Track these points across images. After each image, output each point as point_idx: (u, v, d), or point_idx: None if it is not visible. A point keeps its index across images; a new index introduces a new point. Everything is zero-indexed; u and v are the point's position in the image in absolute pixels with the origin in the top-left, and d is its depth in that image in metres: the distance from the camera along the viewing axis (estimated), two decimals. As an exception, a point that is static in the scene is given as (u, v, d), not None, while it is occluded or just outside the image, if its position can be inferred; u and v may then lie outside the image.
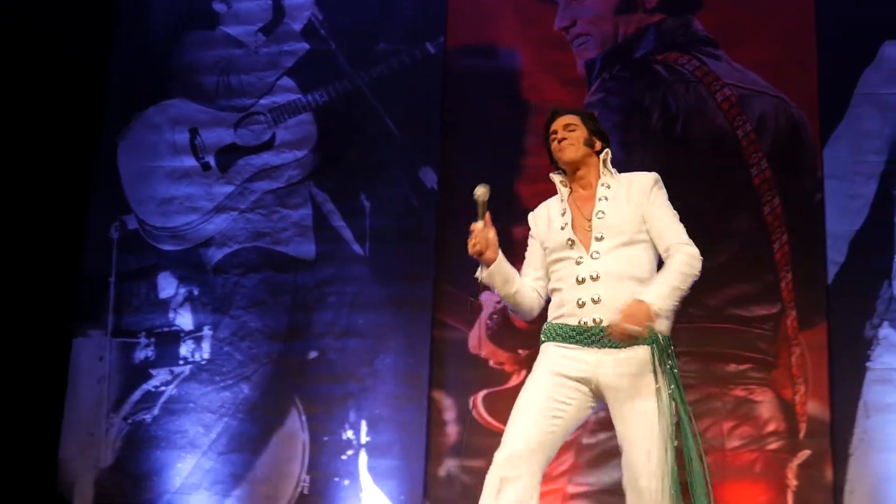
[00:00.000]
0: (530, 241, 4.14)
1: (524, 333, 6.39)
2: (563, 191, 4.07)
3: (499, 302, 6.44)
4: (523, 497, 3.81)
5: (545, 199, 4.14)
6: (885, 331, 6.13)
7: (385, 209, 6.64)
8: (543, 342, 3.97)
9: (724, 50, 6.55)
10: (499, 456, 3.85)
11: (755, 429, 6.13)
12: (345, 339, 6.52)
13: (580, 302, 3.87)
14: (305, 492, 6.39)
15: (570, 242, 3.93)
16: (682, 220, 4.01)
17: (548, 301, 4.04)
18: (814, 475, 6.02)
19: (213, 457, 6.49)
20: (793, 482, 6.03)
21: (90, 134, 7.01)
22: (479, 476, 6.20)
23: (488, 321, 6.43)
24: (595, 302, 3.84)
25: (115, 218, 6.90)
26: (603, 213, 3.93)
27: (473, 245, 3.93)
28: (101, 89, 7.08)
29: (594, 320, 3.83)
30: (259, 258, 6.72)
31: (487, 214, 3.94)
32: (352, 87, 6.85)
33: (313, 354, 6.55)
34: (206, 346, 6.66)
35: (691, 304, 6.17)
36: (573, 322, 3.89)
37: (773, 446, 6.10)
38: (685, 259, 3.82)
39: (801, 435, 6.08)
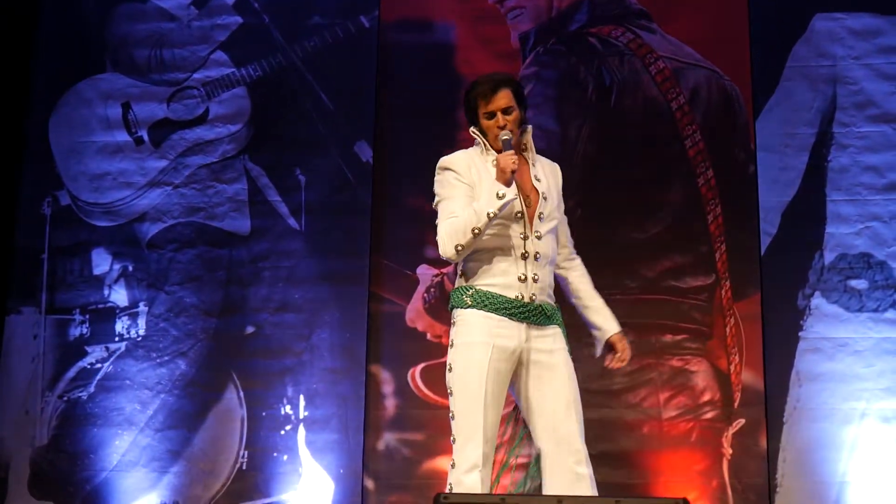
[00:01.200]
0: (456, 181, 4.08)
1: (461, 306, 6.41)
2: (487, 154, 4.13)
3: (436, 275, 6.44)
4: (489, 483, 3.97)
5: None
6: (816, 301, 6.21)
7: (320, 183, 6.62)
8: (468, 307, 4.00)
9: (657, 23, 6.58)
10: (473, 453, 3.91)
11: (691, 398, 6.19)
12: (281, 313, 6.51)
13: (522, 277, 3.99)
14: (244, 467, 6.37)
15: (518, 215, 4.01)
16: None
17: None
18: (748, 443, 6.10)
19: (150, 434, 6.46)
20: (728, 450, 6.10)
21: (20, 109, 6.91)
22: (418, 448, 6.29)
23: (425, 294, 6.43)
24: (535, 281, 4.00)
25: (48, 194, 6.81)
26: (545, 195, 4.08)
27: (514, 162, 3.93)
28: (29, 63, 6.97)
29: (531, 297, 3.99)
30: (194, 233, 6.68)
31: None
32: (285, 61, 6.80)
33: (250, 329, 6.53)
34: (141, 322, 6.61)
35: (627, 276, 6.23)
36: (510, 295, 3.99)
37: (708, 415, 6.17)
38: (586, 271, 4.29)
39: (736, 404, 6.15)
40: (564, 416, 3.97)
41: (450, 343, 4.08)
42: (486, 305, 3.98)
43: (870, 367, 6.08)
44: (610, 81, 6.49)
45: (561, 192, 4.23)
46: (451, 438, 4.00)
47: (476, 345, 3.97)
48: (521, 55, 6.62)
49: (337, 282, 6.48)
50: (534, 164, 4.15)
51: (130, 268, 6.68)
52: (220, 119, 6.79)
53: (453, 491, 3.90)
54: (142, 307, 6.63)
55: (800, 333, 6.18)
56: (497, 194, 3.91)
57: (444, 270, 6.44)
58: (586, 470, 3.96)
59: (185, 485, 6.38)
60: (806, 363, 6.14)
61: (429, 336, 6.41)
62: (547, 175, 4.17)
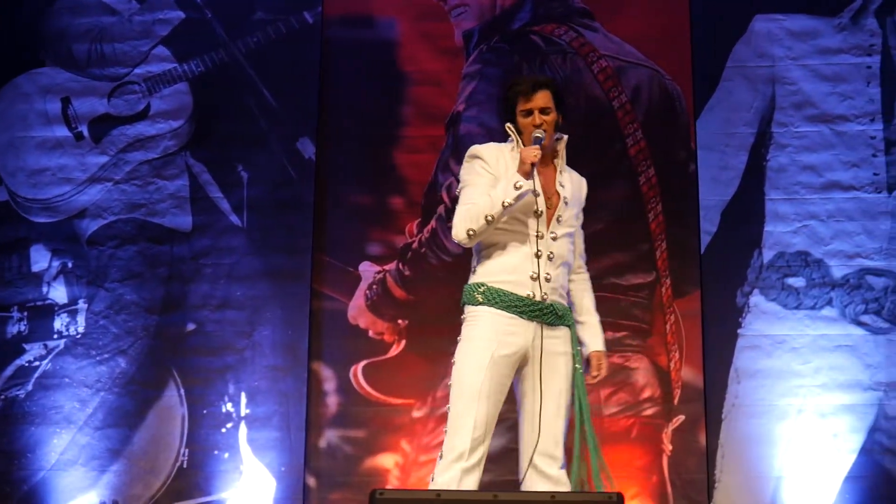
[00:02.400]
0: (483, 170, 4.11)
1: (403, 303, 6.42)
2: (518, 151, 4.14)
3: (378, 272, 6.45)
4: (478, 481, 3.96)
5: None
6: (755, 298, 6.28)
7: (262, 180, 6.59)
8: (479, 304, 4.02)
9: (600, 22, 6.62)
10: (459, 444, 3.91)
11: (631, 395, 6.23)
12: (222, 310, 6.48)
13: (534, 275, 4.02)
14: (185, 465, 6.34)
15: (538, 213, 4.04)
16: None
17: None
18: (688, 439, 6.15)
19: (90, 432, 6.40)
20: (668, 447, 6.16)
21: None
22: (360, 446, 6.29)
23: (367, 291, 6.43)
24: (547, 280, 4.03)
25: (-15, 189, 6.75)
26: (567, 200, 4.13)
27: (536, 155, 3.96)
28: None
29: (543, 296, 4.02)
30: (134, 230, 6.63)
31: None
32: (228, 57, 6.77)
33: (191, 327, 6.49)
34: (80, 319, 6.56)
35: (568, 273, 6.27)
36: (522, 293, 4.02)
37: (648, 412, 6.22)
38: (590, 286, 4.34)
39: (676, 401, 6.20)
40: (553, 420, 4.01)
41: (459, 339, 4.10)
42: (496, 303, 4.00)
43: (806, 363, 6.15)
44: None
45: (582, 206, 4.29)
46: (444, 429, 4.02)
47: (480, 340, 3.99)
48: (465, 53, 6.64)
49: (279, 279, 6.47)
50: (561, 172, 4.19)
51: (70, 264, 6.62)
52: (161, 115, 6.75)
53: (434, 481, 3.92)
54: (81, 304, 6.57)
55: (738, 331, 6.25)
56: (515, 185, 3.93)
57: (387, 267, 6.45)
58: (558, 472, 4.02)
59: (125, 483, 6.34)
60: (744, 360, 6.20)
61: (371, 333, 6.41)
62: (573, 185, 4.23)
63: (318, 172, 6.55)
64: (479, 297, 4.03)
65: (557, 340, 4.07)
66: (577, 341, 4.15)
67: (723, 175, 6.39)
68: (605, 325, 6.19)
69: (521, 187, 3.92)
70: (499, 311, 4.00)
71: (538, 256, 4.03)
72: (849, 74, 6.45)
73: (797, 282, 6.27)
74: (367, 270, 6.45)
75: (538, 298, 4.02)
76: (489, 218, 3.93)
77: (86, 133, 6.77)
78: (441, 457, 3.96)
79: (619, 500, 3.35)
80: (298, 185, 6.56)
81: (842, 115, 6.41)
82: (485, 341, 3.98)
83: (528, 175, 3.93)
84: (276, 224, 6.53)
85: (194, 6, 6.82)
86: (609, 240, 6.32)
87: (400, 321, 6.40)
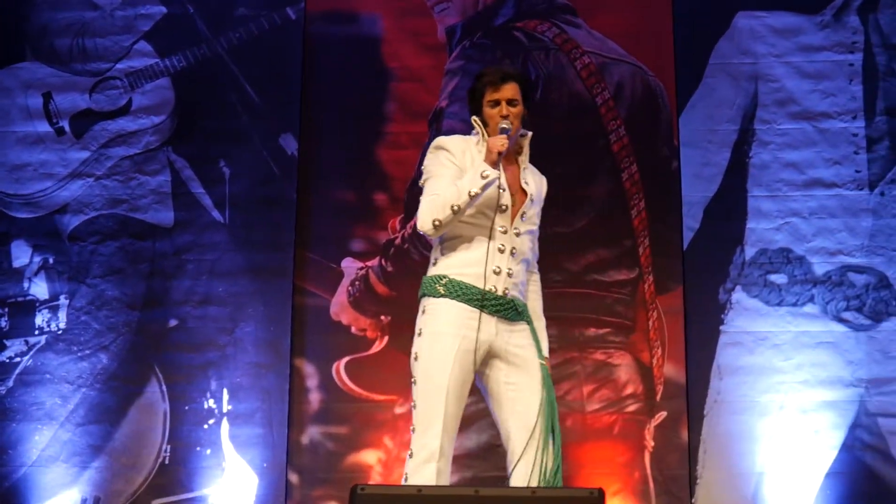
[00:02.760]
0: (448, 161, 4.08)
1: (386, 300, 6.42)
2: (483, 143, 4.10)
3: (361, 269, 6.44)
4: (448, 478, 3.95)
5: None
6: (737, 295, 6.29)
7: (245, 176, 6.58)
8: (440, 296, 4.00)
9: (583, 18, 6.63)
10: (431, 443, 3.90)
11: (614, 391, 6.24)
12: (205, 307, 6.46)
13: (497, 270, 4.00)
14: (166, 462, 6.33)
15: (503, 207, 4.02)
16: None
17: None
18: (670, 436, 6.17)
19: (71, 428, 6.38)
20: (650, 443, 6.17)
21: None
22: (342, 442, 6.28)
23: (350, 288, 6.43)
24: (509, 275, 4.01)
25: (-34, 185, 6.73)
26: (532, 197, 4.11)
27: (503, 145, 3.93)
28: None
29: (504, 291, 4.00)
30: (116, 225, 6.61)
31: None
32: (210, 53, 6.75)
33: (173, 323, 6.48)
34: (62, 315, 6.54)
35: (551, 270, 6.22)
36: (484, 286, 3.98)
37: (631, 408, 6.23)
38: (540, 288, 4.27)
39: (658, 397, 6.21)
40: (535, 419, 3.97)
41: (417, 332, 4.05)
42: (458, 295, 3.97)
43: (788, 360, 6.17)
44: (535, 76, 6.52)
45: (542, 202, 4.23)
46: (411, 428, 3.99)
47: (444, 335, 3.96)
48: (448, 49, 6.64)
49: (261, 275, 6.46)
50: (524, 169, 4.16)
51: (51, 260, 6.60)
52: (143, 110, 6.72)
53: (408, 481, 3.87)
54: (63, 300, 6.55)
55: (721, 327, 6.26)
56: (482, 174, 3.90)
57: (369, 264, 6.44)
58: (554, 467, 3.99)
59: (107, 480, 6.32)
60: (726, 356, 6.22)
61: (353, 330, 6.41)
62: (536, 183, 4.18)
63: (300, 168, 6.54)
64: (441, 289, 4.00)
65: (518, 335, 4.05)
66: (537, 336, 4.12)
67: (705, 172, 6.40)
68: (588, 322, 6.30)
69: (487, 176, 3.89)
70: (460, 303, 3.97)
71: (501, 251, 4.00)
72: (831, 72, 6.46)
73: (779, 278, 6.28)
74: (350, 267, 6.45)
75: (500, 293, 3.99)
76: (455, 208, 3.90)
77: (67, 128, 6.75)
78: (411, 456, 3.93)
79: (601, 496, 3.34)
80: (281, 181, 6.55)
81: (824, 112, 6.42)
82: (450, 336, 3.95)
83: (495, 164, 3.90)
84: (258, 220, 6.52)
85: (177, 1, 6.79)
86: (592, 236, 6.34)
87: (382, 317, 6.40)
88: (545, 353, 4.14)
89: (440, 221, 3.94)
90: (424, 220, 3.98)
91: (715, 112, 6.45)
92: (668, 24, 6.53)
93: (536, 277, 4.27)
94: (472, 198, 3.91)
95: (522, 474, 3.95)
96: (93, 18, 6.84)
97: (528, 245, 4.11)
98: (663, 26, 6.54)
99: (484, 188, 3.90)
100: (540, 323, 4.21)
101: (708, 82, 6.50)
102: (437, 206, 3.94)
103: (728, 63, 6.51)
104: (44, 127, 6.75)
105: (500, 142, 3.93)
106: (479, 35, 6.64)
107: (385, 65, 6.66)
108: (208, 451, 6.31)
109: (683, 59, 6.50)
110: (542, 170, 4.28)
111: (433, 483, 3.85)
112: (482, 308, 3.97)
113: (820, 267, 6.27)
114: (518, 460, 3.97)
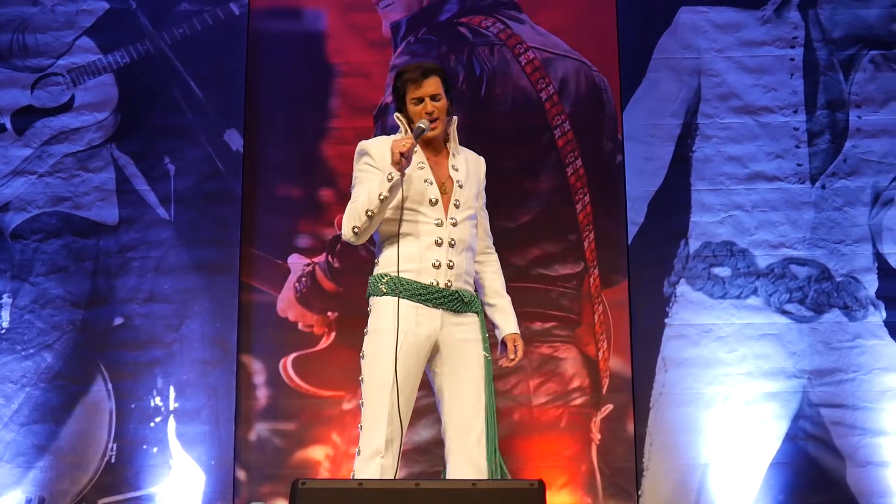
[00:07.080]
0: (368, 166, 4.08)
1: (333, 296, 6.41)
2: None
3: (307, 265, 6.43)
4: (395, 474, 3.95)
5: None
6: (682, 288, 6.34)
7: (190, 172, 6.55)
8: (383, 294, 4.02)
9: (527, 14, 6.65)
10: (376, 440, 3.90)
11: (560, 385, 6.27)
12: (150, 304, 6.43)
13: (436, 263, 4.02)
14: (113, 460, 6.29)
15: (433, 201, 4.04)
16: (487, 181, 4.26)
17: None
18: (616, 428, 6.21)
19: (15, 428, 6.33)
20: (596, 436, 6.21)
21: None
22: (290, 438, 6.27)
23: (296, 284, 6.42)
24: (449, 267, 4.03)
25: None
26: (461, 183, 4.11)
27: (405, 146, 3.90)
28: None
29: (447, 283, 4.02)
30: (60, 223, 6.56)
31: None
32: (154, 48, 6.71)
33: (118, 321, 6.44)
34: (5, 314, 6.48)
35: (497, 265, 6.29)
36: (425, 281, 4.01)
37: (577, 402, 6.26)
38: (499, 267, 4.30)
39: (604, 390, 6.25)
40: (472, 416, 3.99)
41: (364, 332, 4.07)
42: (400, 292, 3.99)
43: (732, 352, 6.23)
44: (480, 71, 6.54)
45: (483, 185, 4.26)
46: (359, 425, 4.00)
47: (387, 332, 3.97)
48: (393, 44, 6.64)
49: (207, 272, 6.43)
50: (454, 155, 4.17)
51: (-7, 258, 6.54)
52: (86, 107, 6.67)
53: (356, 477, 3.88)
54: (5, 299, 6.50)
55: (665, 320, 6.31)
56: (387, 176, 3.92)
57: (316, 260, 6.44)
58: (481, 463, 3.99)
59: (52, 480, 6.27)
60: (671, 349, 6.27)
61: (300, 326, 6.40)
62: (469, 166, 4.19)
63: (245, 165, 6.52)
64: (383, 288, 4.02)
65: (465, 328, 4.06)
66: (485, 328, 4.12)
67: (649, 166, 6.45)
68: (534, 316, 6.33)
69: (392, 179, 3.92)
70: (403, 300, 3.99)
71: (439, 244, 4.03)
72: (772, 66, 6.53)
73: (723, 271, 6.34)
74: (297, 263, 6.44)
75: (442, 286, 4.01)
76: (370, 213, 3.93)
77: (8, 125, 6.68)
78: (359, 453, 3.95)
79: (541, 488, 3.33)
80: (226, 177, 6.52)
81: (766, 106, 6.49)
82: (392, 333, 3.95)
83: (396, 164, 3.90)
84: (204, 217, 6.49)
85: (119, -4, 6.76)
86: (537, 230, 6.37)
87: (329, 313, 6.40)
88: (515, 328, 4.19)
89: (359, 228, 3.97)
90: (345, 228, 4.01)
91: (658, 107, 6.50)
92: (611, 20, 6.57)
93: (494, 257, 4.30)
94: (383, 201, 3.93)
95: (456, 470, 3.97)
96: (33, 14, 6.78)
97: (468, 232, 4.11)
98: (607, 22, 6.58)
99: (391, 190, 3.93)
100: (503, 300, 4.24)
101: (651, 77, 6.54)
102: (354, 214, 3.97)
103: (671, 58, 6.56)
104: (-16, 124, 6.69)
105: (401, 142, 3.93)
106: (424, 31, 6.65)
107: (329, 60, 6.65)
108: (155, 449, 6.28)
109: (627, 54, 6.54)
110: (488, 164, 4.30)
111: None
112: (426, 302, 3.99)
113: (763, 260, 6.34)
114: (452, 455, 4.00)
